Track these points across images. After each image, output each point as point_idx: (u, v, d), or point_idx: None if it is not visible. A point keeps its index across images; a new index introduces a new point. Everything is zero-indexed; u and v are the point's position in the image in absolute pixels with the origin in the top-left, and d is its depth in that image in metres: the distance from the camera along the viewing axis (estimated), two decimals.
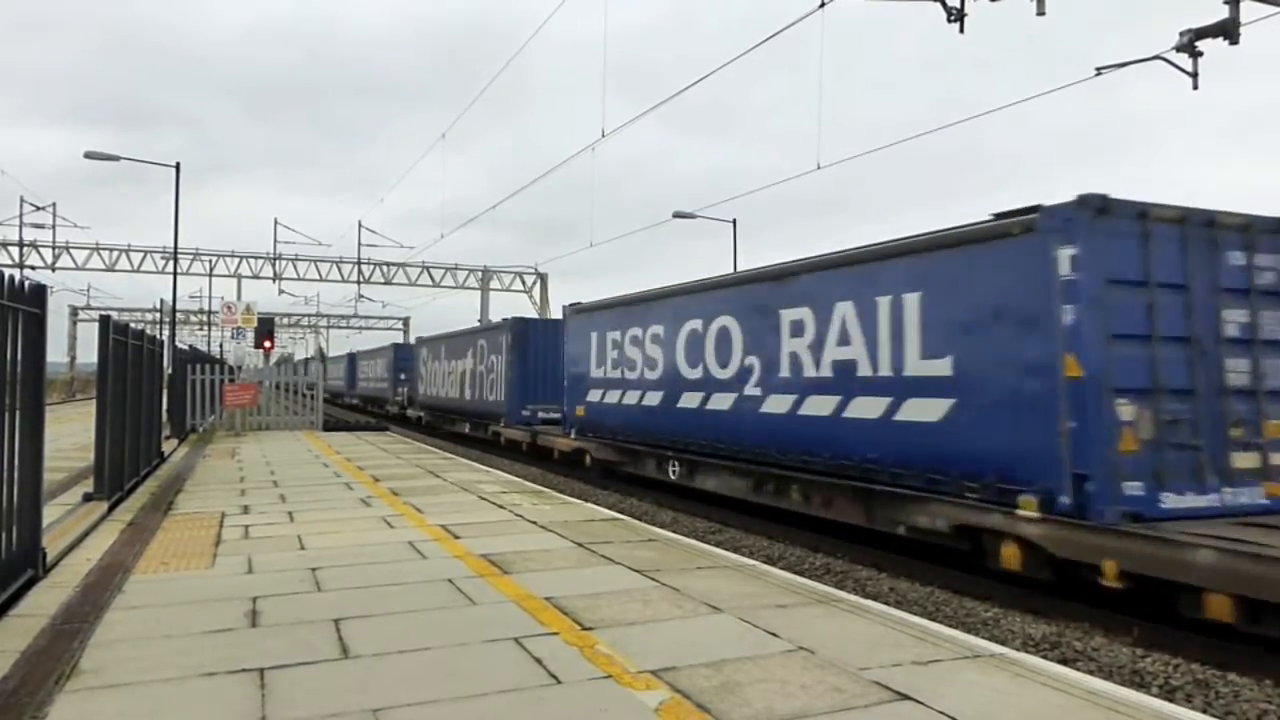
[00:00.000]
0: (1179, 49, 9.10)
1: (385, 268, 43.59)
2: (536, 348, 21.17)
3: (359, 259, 42.49)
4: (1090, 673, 5.35)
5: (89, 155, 24.14)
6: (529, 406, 20.89)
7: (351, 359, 51.58)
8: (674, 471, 13.28)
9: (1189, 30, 9.02)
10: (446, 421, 27.68)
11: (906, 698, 3.59)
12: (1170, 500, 7.09)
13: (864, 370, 9.42)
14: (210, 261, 41.31)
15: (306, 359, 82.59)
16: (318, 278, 43.31)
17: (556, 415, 19.50)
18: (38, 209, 37.57)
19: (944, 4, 9.75)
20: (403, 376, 35.32)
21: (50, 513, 7.18)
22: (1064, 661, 5.90)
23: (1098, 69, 9.75)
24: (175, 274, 26.87)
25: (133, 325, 11.53)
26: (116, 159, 24.76)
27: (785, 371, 10.67)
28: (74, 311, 59.13)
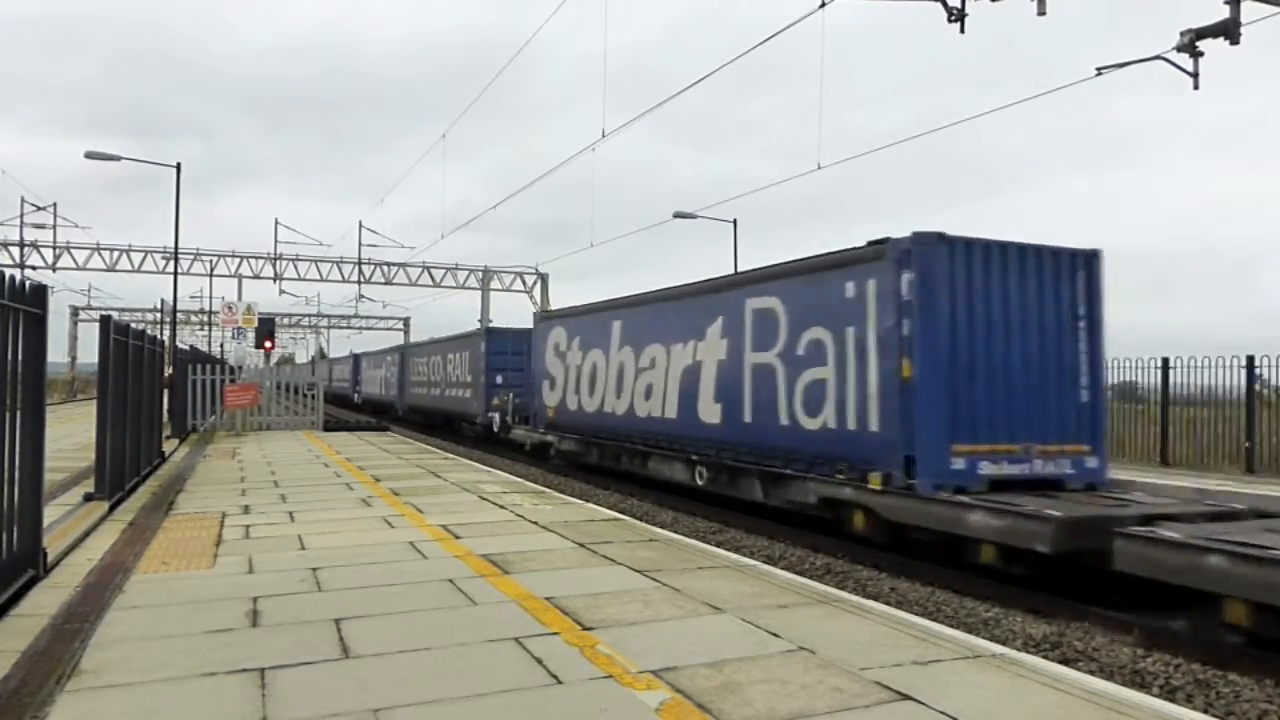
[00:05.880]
0: (1180, 49, 9.11)
1: (386, 268, 43.58)
2: (984, 306, 9.46)
3: (359, 259, 42.48)
4: (1091, 673, 5.36)
5: (89, 155, 24.17)
6: (964, 448, 9.21)
7: (401, 355, 36.49)
8: None
9: (1189, 30, 9.03)
10: (654, 460, 14.33)
11: (907, 698, 3.59)
12: None
13: None
14: (211, 262, 41.29)
15: (332, 357, 70.61)
16: (318, 278, 43.30)
17: (1054, 472, 9.60)
18: (38, 209, 37.58)
19: (944, 4, 9.75)
20: (499, 380, 23.15)
21: (51, 513, 7.18)
22: (1065, 661, 5.90)
23: (1098, 69, 9.76)
24: (176, 274, 26.86)
25: (133, 325, 11.53)
26: (117, 159, 24.80)
27: None
28: (75, 312, 59.07)
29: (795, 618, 4.82)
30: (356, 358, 50.09)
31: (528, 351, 21.46)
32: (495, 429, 22.29)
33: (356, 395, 47.50)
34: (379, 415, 37.66)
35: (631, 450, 15.04)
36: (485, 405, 23.03)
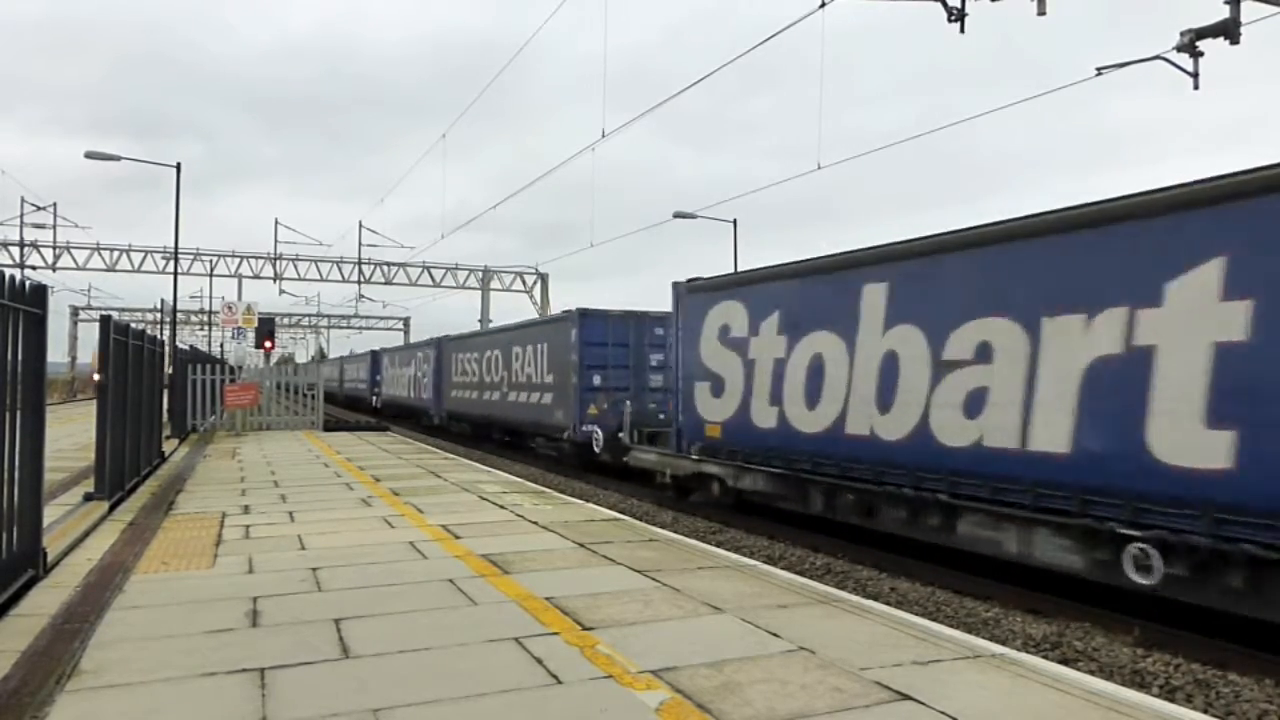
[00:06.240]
0: (1180, 49, 9.11)
1: (386, 268, 43.63)
2: None
3: (359, 259, 42.54)
4: (1091, 673, 5.36)
5: (89, 155, 24.17)
6: None
7: (439, 350, 28.73)
8: None
9: (1189, 30, 9.03)
10: (974, 521, 8.30)
11: (907, 698, 3.59)
12: None
13: None
14: (211, 261, 41.38)
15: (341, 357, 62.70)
16: (318, 278, 43.40)
17: None
18: (39, 209, 37.61)
19: (944, 4, 9.75)
20: (596, 381, 17.03)
21: (51, 513, 7.18)
22: (1065, 661, 5.90)
23: (1098, 69, 9.76)
24: (176, 274, 26.86)
25: (133, 325, 11.54)
26: (117, 159, 24.80)
27: None
28: (75, 311, 59.15)
29: (795, 618, 4.82)
30: (375, 354, 43.13)
31: (634, 343, 16.80)
32: (597, 449, 16.41)
33: (376, 398, 40.82)
34: (407, 422, 32.07)
35: (915, 502, 9.00)
36: (579, 415, 16.75)
